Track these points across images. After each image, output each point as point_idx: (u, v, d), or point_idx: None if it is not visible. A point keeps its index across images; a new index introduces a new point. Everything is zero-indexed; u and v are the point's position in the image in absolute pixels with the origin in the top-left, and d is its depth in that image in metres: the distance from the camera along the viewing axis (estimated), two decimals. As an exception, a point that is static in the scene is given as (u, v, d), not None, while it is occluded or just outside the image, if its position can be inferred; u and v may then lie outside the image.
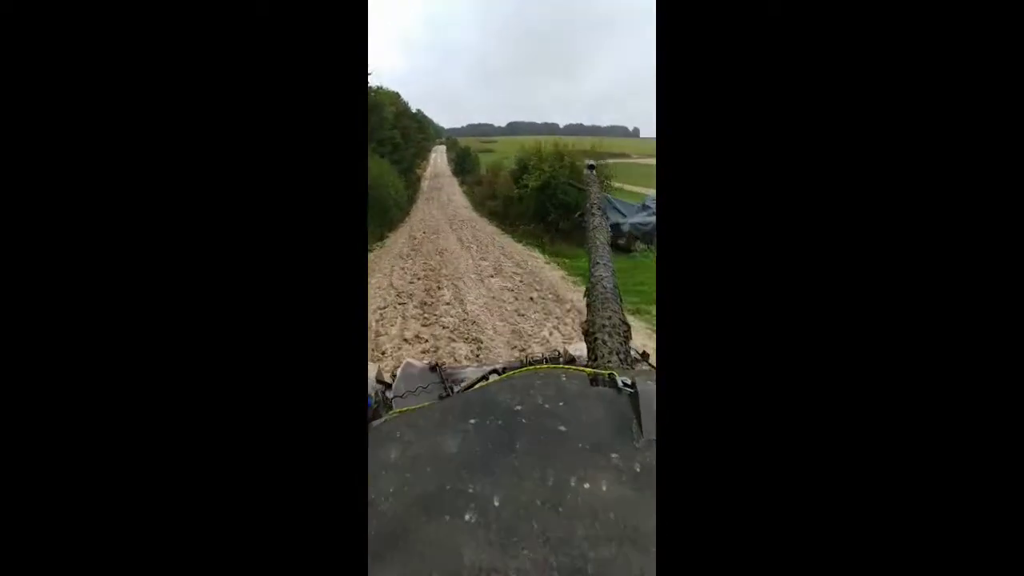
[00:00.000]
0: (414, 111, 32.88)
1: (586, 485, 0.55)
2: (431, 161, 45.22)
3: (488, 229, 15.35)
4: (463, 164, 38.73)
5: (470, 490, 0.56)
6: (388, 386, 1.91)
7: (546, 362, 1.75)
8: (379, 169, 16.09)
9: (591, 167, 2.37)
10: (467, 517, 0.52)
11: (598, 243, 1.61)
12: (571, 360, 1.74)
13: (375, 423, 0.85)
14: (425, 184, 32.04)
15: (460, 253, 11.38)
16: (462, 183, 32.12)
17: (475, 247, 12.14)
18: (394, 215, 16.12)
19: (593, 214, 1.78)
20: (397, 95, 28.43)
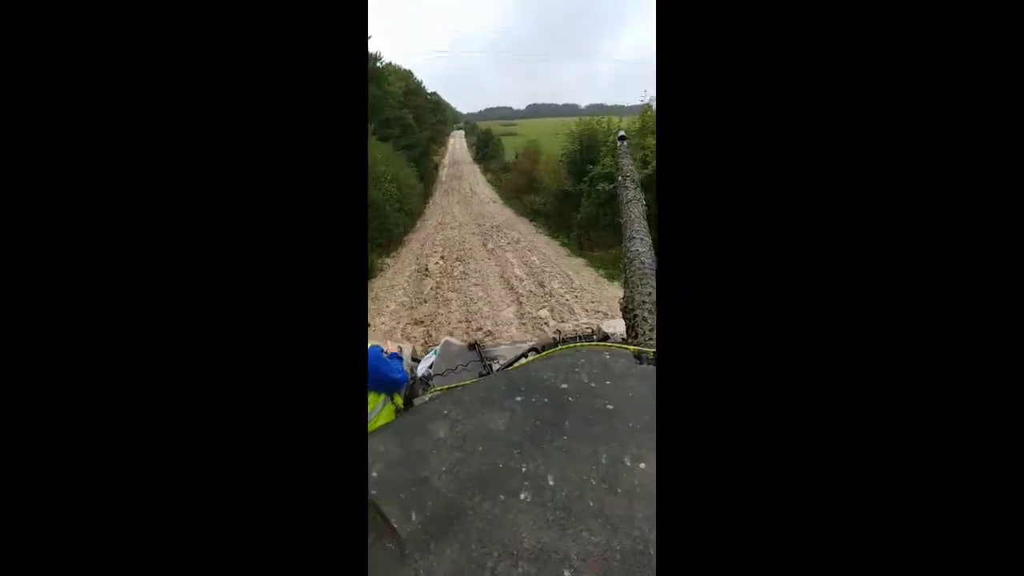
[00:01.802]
0: (429, 92, 27.49)
1: (641, 465, 0.54)
2: (449, 147, 40.43)
3: (544, 247, 9.76)
4: (485, 148, 33.75)
5: (523, 468, 0.55)
6: (419, 362, 2.03)
7: (581, 340, 1.54)
8: (377, 157, 10.86)
9: (622, 138, 2.27)
10: (522, 496, 0.52)
11: (633, 217, 1.58)
12: (604, 338, 1.60)
13: (416, 400, 1.18)
14: (443, 172, 27.33)
15: (516, 323, 5.75)
16: (485, 170, 27.53)
17: (547, 302, 6.32)
18: (394, 224, 10.61)
19: (626, 187, 1.74)
20: (409, 72, 23.29)
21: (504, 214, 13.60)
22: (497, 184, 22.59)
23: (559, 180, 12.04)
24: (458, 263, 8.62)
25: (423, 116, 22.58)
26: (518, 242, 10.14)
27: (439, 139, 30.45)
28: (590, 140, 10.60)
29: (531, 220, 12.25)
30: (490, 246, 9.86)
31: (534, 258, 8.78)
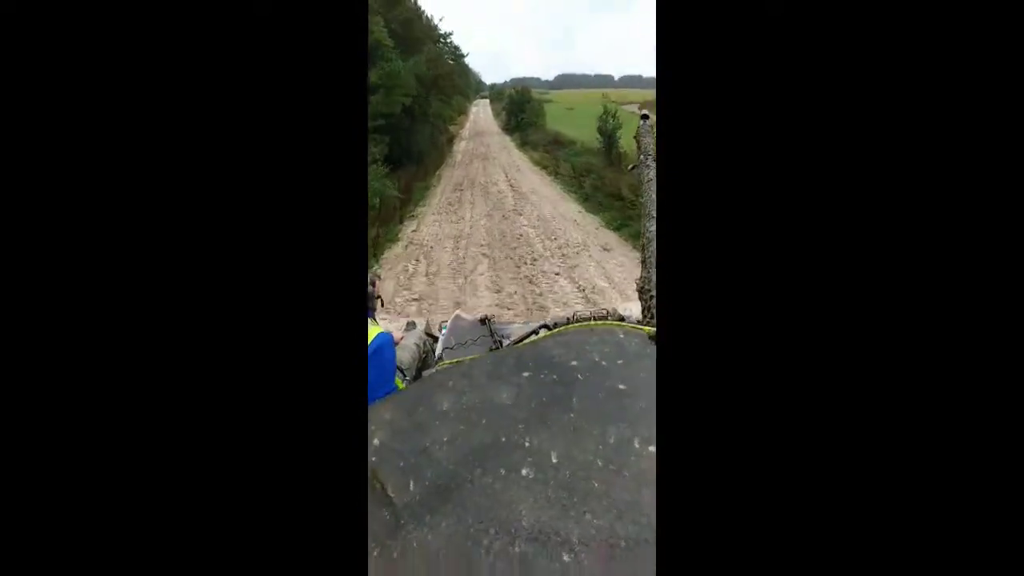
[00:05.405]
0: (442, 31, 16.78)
1: (651, 448, 0.52)
2: (471, 116, 30.22)
3: None
4: (520, 115, 23.15)
5: (526, 444, 0.53)
6: (436, 339, 1.92)
7: (595, 320, 1.39)
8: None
9: (645, 117, 2.10)
10: (524, 472, 0.50)
11: (654, 197, 1.54)
12: (620, 319, 1.43)
13: (426, 372, 1.06)
14: (459, 148, 17.31)
15: None
16: (522, 143, 17.33)
17: None
18: None
19: (648, 166, 1.70)
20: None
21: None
22: (553, 169, 12.31)
23: None
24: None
25: (415, 43, 12.16)
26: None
27: (452, 99, 19.89)
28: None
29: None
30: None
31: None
